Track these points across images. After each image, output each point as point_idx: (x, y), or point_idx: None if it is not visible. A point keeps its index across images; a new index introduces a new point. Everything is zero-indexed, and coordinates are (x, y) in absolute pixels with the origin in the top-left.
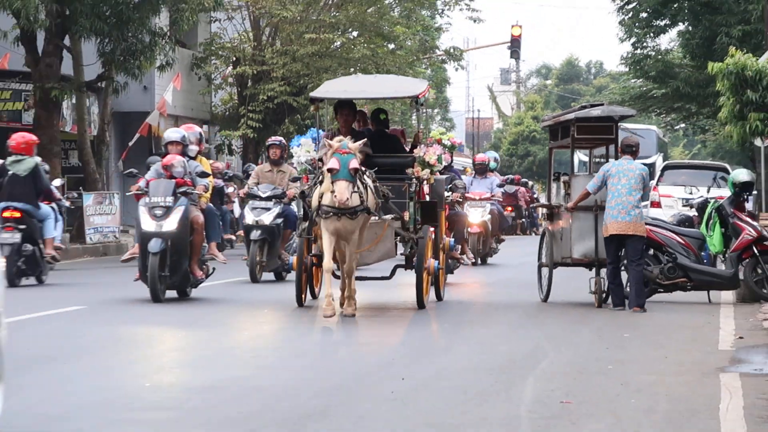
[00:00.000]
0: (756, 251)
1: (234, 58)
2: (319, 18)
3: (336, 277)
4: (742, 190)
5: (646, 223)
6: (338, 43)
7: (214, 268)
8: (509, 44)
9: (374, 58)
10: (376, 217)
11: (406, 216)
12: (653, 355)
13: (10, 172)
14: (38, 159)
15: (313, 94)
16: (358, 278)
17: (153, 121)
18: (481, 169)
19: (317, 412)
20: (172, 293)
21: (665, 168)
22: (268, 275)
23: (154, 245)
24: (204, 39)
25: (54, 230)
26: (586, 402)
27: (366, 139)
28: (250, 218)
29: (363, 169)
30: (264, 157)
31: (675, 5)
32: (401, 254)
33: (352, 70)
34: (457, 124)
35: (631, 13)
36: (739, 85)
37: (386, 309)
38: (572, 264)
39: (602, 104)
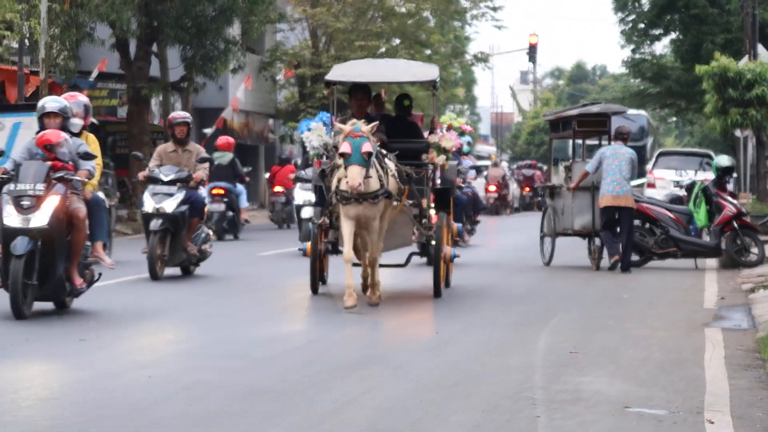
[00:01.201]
0: (735, 225)
1: (295, 63)
2: (367, 28)
3: (356, 265)
4: (724, 173)
5: (643, 201)
6: (383, 49)
7: (100, 274)
8: (527, 50)
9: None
10: (398, 202)
11: (425, 203)
12: (648, 312)
13: (216, 163)
14: (232, 154)
15: (328, 77)
16: (357, 265)
17: (227, 115)
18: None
19: (363, 361)
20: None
21: (659, 155)
22: (173, 270)
23: (19, 245)
24: (270, 46)
25: (245, 202)
26: (590, 353)
27: (378, 122)
28: (149, 205)
29: (383, 152)
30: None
31: (668, 17)
32: (415, 241)
33: None
34: (483, 118)
35: (631, 24)
36: (721, 84)
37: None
38: (573, 234)
39: (599, 103)
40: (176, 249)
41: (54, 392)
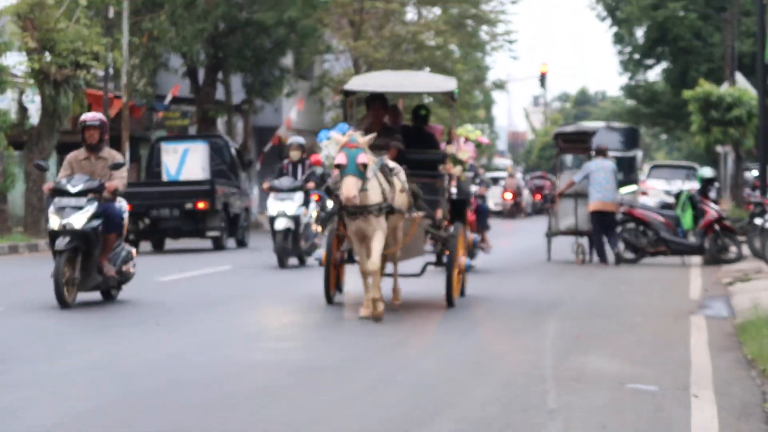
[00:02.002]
0: (717, 228)
1: (340, 88)
2: (402, 58)
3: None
4: (707, 183)
5: (638, 207)
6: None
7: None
8: (539, 78)
9: None
10: (406, 216)
11: (439, 214)
12: (642, 302)
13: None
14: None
15: (347, 86)
16: (388, 275)
17: (282, 133)
18: None
19: (398, 343)
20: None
21: (652, 167)
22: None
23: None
24: (318, 74)
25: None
26: (593, 336)
27: (399, 134)
28: (54, 222)
29: (391, 165)
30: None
31: (659, 49)
32: (430, 252)
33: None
34: (500, 135)
35: (627, 55)
36: (705, 107)
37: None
38: (561, 234)
39: (576, 124)
40: (89, 270)
41: (143, 367)
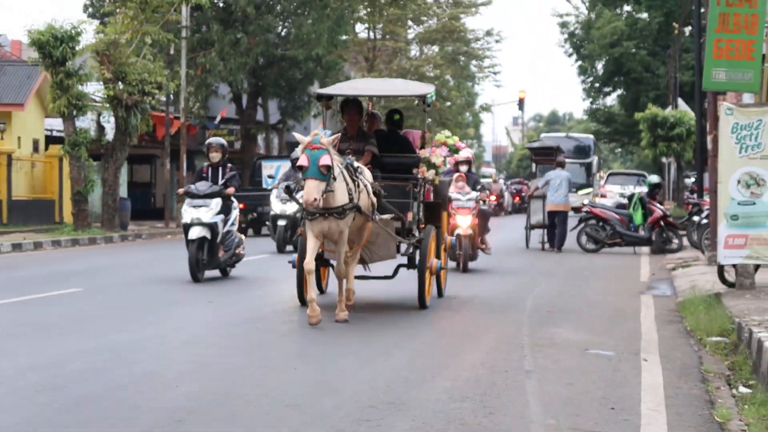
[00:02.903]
0: (662, 224)
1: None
2: None
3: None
4: (654, 188)
5: (597, 207)
6: (416, 102)
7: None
8: (518, 102)
9: (438, 111)
10: (373, 217)
11: (409, 216)
12: (601, 284)
13: None
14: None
15: (321, 90)
16: (360, 277)
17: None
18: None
19: (404, 317)
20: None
21: (609, 174)
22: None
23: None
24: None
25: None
26: (562, 311)
27: (373, 139)
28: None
29: (355, 165)
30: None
31: (615, 79)
32: (402, 254)
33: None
34: (486, 149)
35: (589, 83)
36: (652, 126)
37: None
38: (533, 227)
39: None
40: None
41: (197, 336)
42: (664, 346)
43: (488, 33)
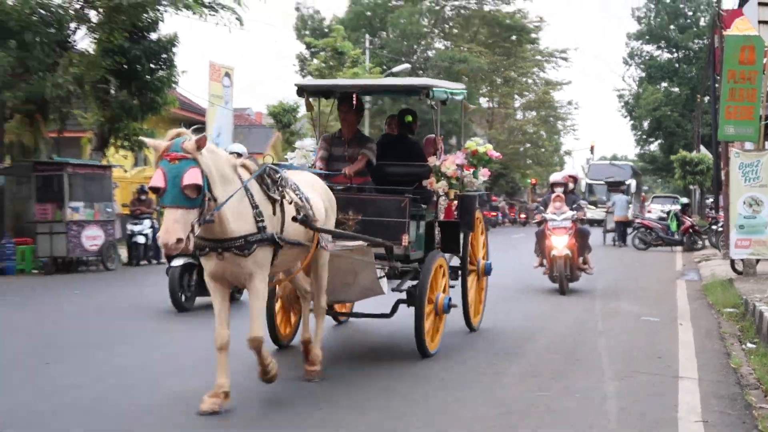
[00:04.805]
0: (691, 231)
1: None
2: (513, 139)
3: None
4: (684, 206)
5: (646, 219)
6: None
7: None
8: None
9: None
10: (322, 245)
11: (404, 240)
12: (648, 272)
13: None
14: None
15: (301, 82)
16: (355, 315)
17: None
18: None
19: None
20: None
21: (653, 197)
22: None
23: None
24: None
25: None
26: (623, 290)
27: (372, 142)
28: None
29: (275, 172)
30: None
31: (657, 133)
32: (393, 289)
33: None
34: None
35: (639, 135)
36: (683, 164)
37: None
38: (608, 231)
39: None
40: None
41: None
42: (693, 315)
43: (569, 103)
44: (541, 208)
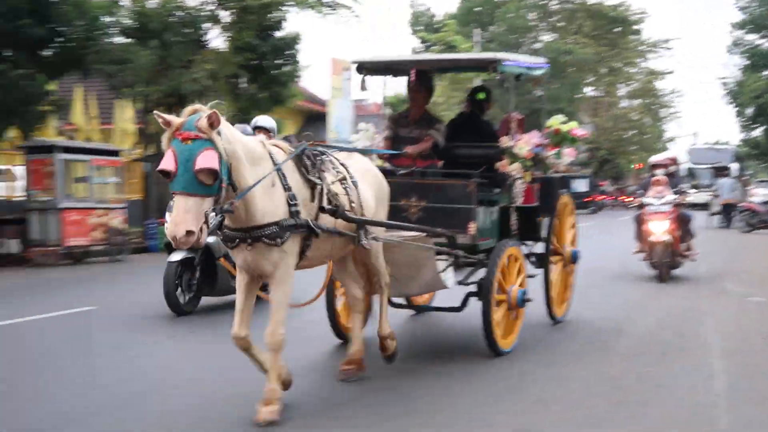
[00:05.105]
0: None
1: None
2: (619, 126)
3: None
4: None
5: (750, 201)
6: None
7: None
8: (693, 134)
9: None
10: (364, 240)
11: (471, 229)
12: (753, 254)
13: None
14: None
15: (357, 59)
16: (424, 309)
17: None
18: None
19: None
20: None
21: (758, 182)
22: None
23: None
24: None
25: None
26: (730, 272)
27: (441, 123)
28: None
29: (317, 152)
30: None
31: (759, 119)
32: (459, 282)
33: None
34: None
35: (743, 122)
36: None
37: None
38: (715, 214)
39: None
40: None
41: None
42: None
43: (672, 91)
44: (641, 191)
